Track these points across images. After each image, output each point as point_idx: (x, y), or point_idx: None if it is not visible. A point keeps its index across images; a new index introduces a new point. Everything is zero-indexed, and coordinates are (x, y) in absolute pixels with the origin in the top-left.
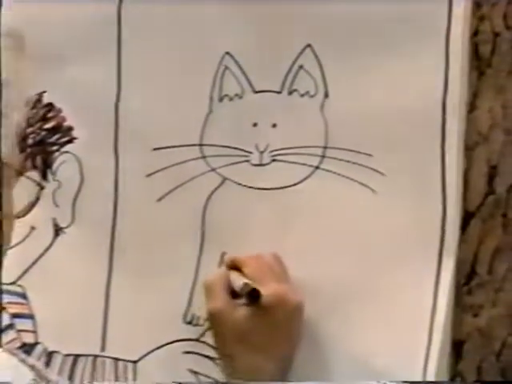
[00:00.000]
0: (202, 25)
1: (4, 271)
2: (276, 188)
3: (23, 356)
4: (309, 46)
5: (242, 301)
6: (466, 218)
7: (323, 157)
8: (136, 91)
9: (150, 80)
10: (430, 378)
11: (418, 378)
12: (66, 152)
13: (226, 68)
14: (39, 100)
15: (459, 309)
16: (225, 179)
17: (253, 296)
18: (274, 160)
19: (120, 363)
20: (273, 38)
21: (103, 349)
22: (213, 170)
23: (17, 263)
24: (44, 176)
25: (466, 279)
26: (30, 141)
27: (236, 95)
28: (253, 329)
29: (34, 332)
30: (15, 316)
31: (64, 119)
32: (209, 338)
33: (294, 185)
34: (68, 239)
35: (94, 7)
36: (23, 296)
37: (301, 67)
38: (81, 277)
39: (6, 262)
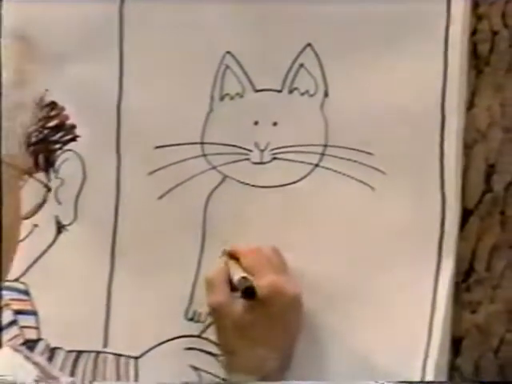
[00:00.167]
0: (203, 24)
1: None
2: (276, 186)
3: (28, 353)
4: (309, 45)
5: (240, 294)
6: (465, 215)
7: (323, 155)
8: (138, 90)
9: (152, 79)
10: (429, 376)
11: (417, 376)
12: (69, 150)
13: (227, 67)
14: (42, 98)
15: (457, 305)
16: (225, 177)
17: (248, 293)
18: (274, 158)
19: (122, 359)
20: (273, 38)
21: (105, 345)
22: (214, 168)
23: (20, 260)
24: (46, 174)
25: (464, 276)
26: (32, 139)
27: (237, 94)
28: (252, 321)
29: (37, 328)
30: (18, 312)
31: (67, 117)
32: (210, 335)
33: (294, 183)
34: (70, 236)
35: (96, 7)
36: (26, 293)
37: (301, 66)
38: (83, 273)
39: None
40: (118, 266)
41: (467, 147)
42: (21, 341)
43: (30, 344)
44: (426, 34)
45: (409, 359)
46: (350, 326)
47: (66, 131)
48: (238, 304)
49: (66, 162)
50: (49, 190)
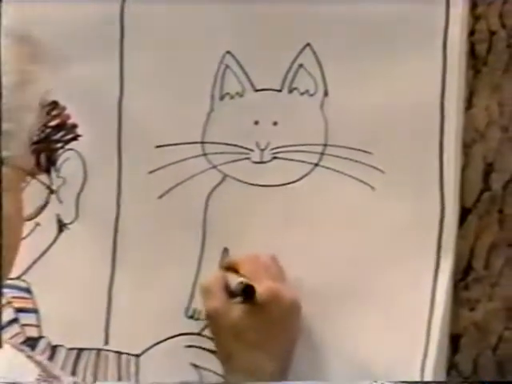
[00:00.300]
0: (203, 24)
1: None
2: (276, 185)
3: (30, 352)
4: (308, 45)
5: (239, 299)
6: (463, 214)
7: (323, 154)
8: (138, 90)
9: (153, 79)
10: (428, 373)
11: (416, 376)
12: (70, 149)
13: (227, 67)
14: (43, 98)
15: (456, 303)
16: (226, 176)
17: (248, 292)
18: (274, 157)
19: (123, 357)
20: (273, 37)
21: (106, 343)
22: (214, 167)
23: (21, 258)
24: (48, 173)
25: (463, 274)
26: (34, 138)
27: (237, 94)
28: (250, 327)
29: (38, 326)
30: (19, 310)
31: (68, 117)
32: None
33: (294, 182)
34: (72, 235)
35: (97, 7)
36: (27, 291)
37: (301, 66)
38: (84, 272)
39: None
40: (118, 265)
41: (466, 146)
42: (22, 339)
43: (31, 342)
44: (425, 34)
45: (408, 357)
46: (349, 325)
47: (67, 130)
48: (236, 309)
49: (68, 161)
50: (51, 191)
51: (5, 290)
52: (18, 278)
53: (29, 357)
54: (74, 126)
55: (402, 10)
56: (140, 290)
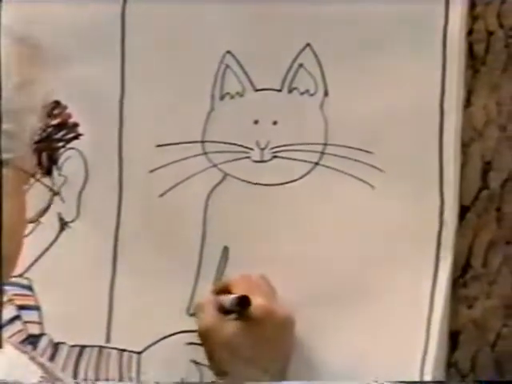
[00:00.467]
0: (204, 24)
1: None
2: (276, 184)
3: (33, 354)
4: (308, 45)
5: (232, 316)
6: (461, 212)
7: (323, 153)
8: (139, 89)
9: (153, 78)
10: (428, 371)
11: (416, 373)
12: (72, 148)
13: (228, 67)
14: (45, 98)
15: (454, 301)
16: (226, 175)
17: (243, 304)
18: (274, 156)
19: (125, 354)
20: (273, 38)
21: (108, 340)
22: (214, 166)
23: (23, 256)
24: (49, 171)
25: (461, 272)
26: (36, 137)
27: (237, 93)
28: (244, 343)
29: (40, 323)
30: (21, 308)
31: (69, 116)
32: None
33: (294, 181)
34: (73, 233)
35: (99, 7)
36: (29, 288)
37: (301, 66)
38: (86, 270)
39: None
40: (120, 263)
41: (464, 145)
42: (24, 336)
43: (33, 339)
44: (425, 34)
45: (408, 354)
46: (348, 324)
47: (68, 129)
48: (230, 326)
49: (69, 160)
50: (54, 194)
51: (7, 288)
52: (20, 275)
53: (32, 358)
54: (76, 125)
55: (402, 10)
56: (141, 288)
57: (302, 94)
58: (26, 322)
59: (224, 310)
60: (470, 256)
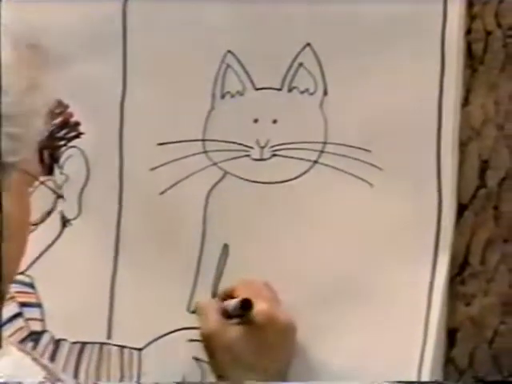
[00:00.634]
0: (205, 24)
1: None
2: (276, 182)
3: (36, 355)
4: (308, 45)
5: (235, 321)
6: (459, 210)
7: (322, 152)
8: (141, 88)
9: (155, 77)
10: (426, 370)
11: (414, 371)
12: (73, 147)
13: (228, 66)
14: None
15: (452, 298)
16: (226, 173)
17: (246, 307)
18: (274, 155)
19: (126, 351)
20: (273, 37)
21: (109, 337)
22: (214, 164)
23: (25, 254)
24: (50, 170)
25: (459, 269)
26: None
27: (237, 92)
28: (245, 348)
29: (42, 320)
30: (23, 305)
31: (71, 115)
32: None
33: (294, 179)
34: (75, 231)
35: (100, 6)
36: (31, 285)
37: (300, 65)
38: (87, 267)
39: None
40: (121, 260)
41: (462, 144)
42: (26, 333)
43: (35, 336)
44: (423, 33)
45: (406, 352)
46: (347, 322)
47: (70, 128)
48: (232, 331)
49: (71, 159)
50: (59, 196)
51: None
52: (21, 273)
53: (34, 359)
54: (77, 124)
55: (401, 9)
56: (142, 285)
57: (301, 92)
58: (28, 319)
59: (227, 315)
60: (468, 254)
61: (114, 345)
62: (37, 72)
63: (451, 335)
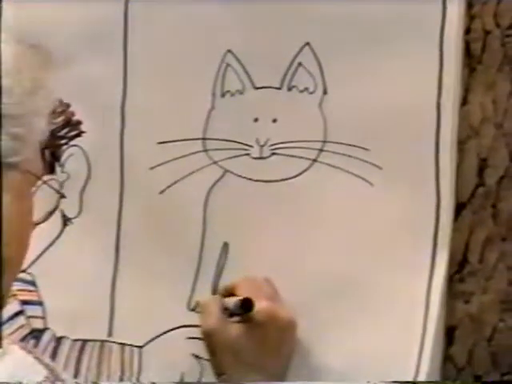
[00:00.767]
0: (205, 24)
1: None
2: (275, 180)
3: (39, 355)
4: (307, 44)
5: (236, 319)
6: (458, 208)
7: (321, 151)
8: (141, 87)
9: (155, 77)
10: (424, 369)
11: (412, 370)
12: (74, 145)
13: (228, 65)
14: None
15: (451, 296)
16: (226, 172)
17: (246, 307)
18: (273, 153)
19: (126, 348)
20: (273, 37)
21: (110, 334)
22: (214, 162)
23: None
24: (52, 168)
25: (458, 267)
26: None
27: (237, 91)
28: (246, 346)
29: (43, 318)
30: (25, 303)
31: (72, 114)
32: None
33: (293, 177)
34: (76, 229)
35: (102, 6)
36: (33, 283)
37: (300, 64)
38: (88, 265)
39: None
40: (122, 258)
41: (460, 143)
42: (27, 330)
43: (37, 333)
44: (422, 32)
45: (405, 349)
46: (345, 320)
47: (71, 127)
48: (233, 329)
49: (72, 157)
50: (61, 196)
51: None
52: (23, 271)
53: (37, 358)
54: (78, 123)
55: (400, 9)
56: (142, 283)
57: (301, 92)
58: (30, 317)
59: (228, 312)
60: (467, 252)
61: (115, 342)
62: (39, 73)
63: (450, 333)
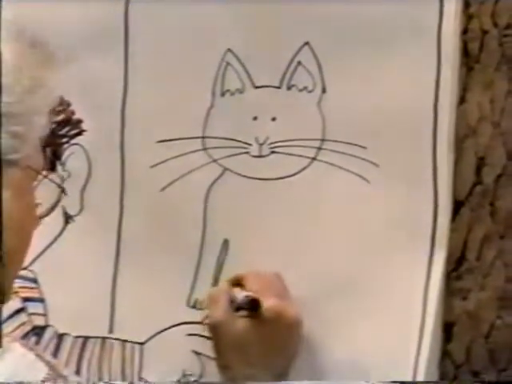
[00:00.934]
0: (205, 23)
1: None
2: (274, 178)
3: (40, 352)
4: (307, 43)
5: (243, 313)
6: (456, 206)
7: (320, 149)
8: (142, 86)
9: (156, 75)
10: (422, 368)
11: (411, 367)
12: (75, 144)
13: (228, 64)
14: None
15: (449, 293)
16: (225, 170)
17: (253, 306)
18: (272, 152)
19: (127, 345)
20: (272, 36)
21: (111, 331)
22: (214, 161)
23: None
24: (53, 167)
25: (456, 265)
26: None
27: (237, 90)
28: (252, 341)
29: (45, 315)
30: (27, 300)
31: (73, 113)
32: None
33: (292, 175)
34: (77, 226)
35: (103, 6)
36: (34, 281)
37: (299, 64)
38: (89, 262)
39: None
40: (122, 255)
41: (458, 141)
42: (29, 327)
43: (39, 330)
44: (420, 32)
45: (403, 345)
46: (344, 318)
47: (72, 126)
48: (240, 323)
49: (73, 156)
50: (63, 191)
51: None
52: (25, 268)
53: (38, 355)
54: (79, 122)
55: (398, 9)
56: (143, 280)
57: (300, 90)
58: (31, 314)
59: (235, 305)
60: (465, 249)
61: (116, 339)
62: (39, 71)
63: (448, 329)
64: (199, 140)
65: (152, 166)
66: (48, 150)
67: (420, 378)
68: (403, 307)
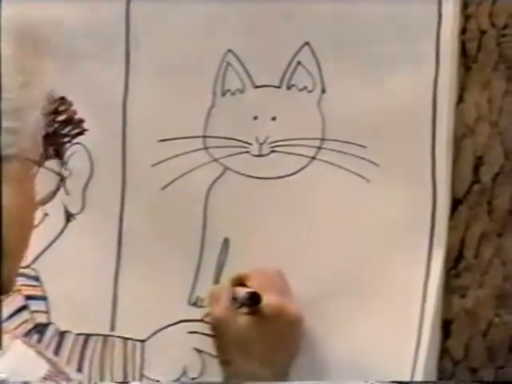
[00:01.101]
0: (206, 23)
1: None
2: (274, 177)
3: (40, 349)
4: (307, 43)
5: (245, 310)
6: (454, 205)
7: (320, 148)
8: (143, 86)
9: (157, 75)
10: (421, 365)
11: (410, 364)
12: (77, 143)
13: (229, 64)
14: (50, 94)
15: (447, 290)
16: (226, 169)
17: (254, 300)
18: (272, 151)
19: (129, 342)
20: (272, 36)
21: (113, 329)
22: (215, 160)
23: (31, 248)
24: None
25: (454, 263)
26: (43, 132)
27: (237, 90)
28: (253, 338)
29: (47, 313)
30: (29, 297)
31: (75, 112)
32: None
33: (292, 174)
34: (79, 225)
35: (104, 6)
36: (36, 279)
37: (299, 64)
38: (91, 260)
39: None
40: (124, 253)
41: (456, 141)
42: (31, 325)
43: (41, 328)
44: (419, 32)
45: (402, 343)
46: (342, 317)
47: (74, 125)
48: (241, 320)
49: (75, 155)
50: (61, 178)
51: None
52: (27, 266)
53: (39, 353)
54: (81, 121)
55: (396, 9)
56: (144, 278)
57: (300, 90)
58: (34, 312)
59: (237, 302)
60: (463, 248)
61: (118, 337)
62: (33, 66)
63: (446, 326)
64: (200, 139)
65: (153, 165)
66: (50, 149)
67: (419, 374)
68: (402, 304)
